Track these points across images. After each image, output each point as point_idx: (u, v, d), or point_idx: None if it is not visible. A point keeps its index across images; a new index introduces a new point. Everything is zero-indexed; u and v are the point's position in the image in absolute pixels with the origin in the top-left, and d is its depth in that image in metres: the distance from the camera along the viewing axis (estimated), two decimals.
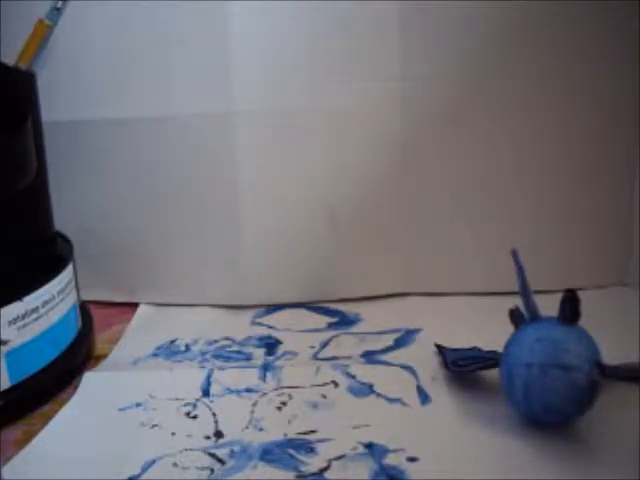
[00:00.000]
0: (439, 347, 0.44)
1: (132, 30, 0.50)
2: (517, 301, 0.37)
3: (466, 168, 0.51)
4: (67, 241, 0.48)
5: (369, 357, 0.45)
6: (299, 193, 0.52)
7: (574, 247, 0.52)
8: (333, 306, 0.53)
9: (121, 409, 0.40)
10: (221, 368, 0.44)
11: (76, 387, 0.42)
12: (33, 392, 0.41)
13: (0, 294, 0.39)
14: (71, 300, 0.45)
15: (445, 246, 0.53)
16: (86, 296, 0.50)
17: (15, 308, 0.39)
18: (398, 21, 0.49)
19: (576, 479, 0.32)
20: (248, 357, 0.46)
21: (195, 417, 0.38)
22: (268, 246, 0.52)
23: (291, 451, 0.35)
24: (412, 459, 0.34)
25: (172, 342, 0.48)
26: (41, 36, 0.50)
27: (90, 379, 0.43)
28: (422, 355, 0.44)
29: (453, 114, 0.50)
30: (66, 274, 0.44)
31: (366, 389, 0.40)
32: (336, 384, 0.41)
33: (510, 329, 0.37)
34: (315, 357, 0.45)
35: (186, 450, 0.35)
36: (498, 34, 0.49)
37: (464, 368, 0.40)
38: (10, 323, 0.39)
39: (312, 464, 0.34)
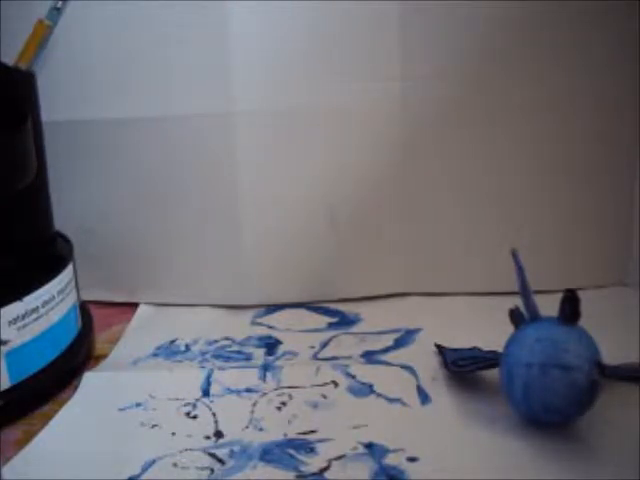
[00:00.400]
0: (439, 347, 0.44)
1: (132, 30, 0.50)
2: (517, 301, 0.37)
3: (466, 168, 0.51)
4: (67, 241, 0.48)
5: (369, 357, 0.45)
6: (299, 193, 0.52)
7: (574, 247, 0.52)
8: (333, 306, 0.53)
9: (121, 409, 0.40)
10: (221, 368, 0.44)
11: (76, 387, 0.42)
12: (33, 392, 0.41)
13: (0, 294, 0.39)
14: (71, 300, 0.45)
15: (445, 246, 0.53)
16: (86, 296, 0.50)
17: (15, 308, 0.39)
18: (398, 21, 0.49)
19: (576, 479, 0.32)
20: (248, 357, 0.46)
21: (195, 417, 0.38)
22: (268, 246, 0.52)
23: (291, 451, 0.35)
24: (412, 459, 0.34)
25: (172, 342, 0.48)
26: (41, 36, 0.50)
27: (90, 379, 0.43)
28: (422, 355, 0.44)
29: (453, 114, 0.50)
30: (66, 274, 0.44)
31: (366, 389, 0.40)
32: (336, 384, 0.41)
33: (510, 329, 0.37)
34: (315, 357, 0.45)
35: (186, 450, 0.35)
36: (498, 34, 0.49)
37: (464, 368, 0.40)
38: (10, 323, 0.39)
39: (312, 464, 0.34)
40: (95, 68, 0.51)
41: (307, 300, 0.53)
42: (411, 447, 0.34)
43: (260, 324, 0.51)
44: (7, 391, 0.39)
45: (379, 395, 0.40)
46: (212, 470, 0.34)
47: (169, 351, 0.47)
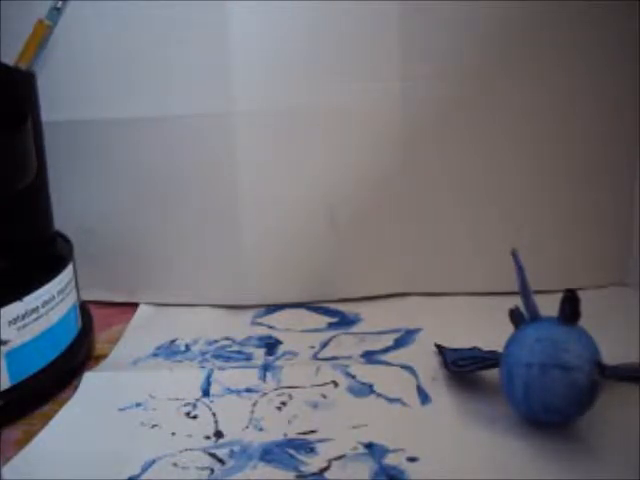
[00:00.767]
0: (439, 347, 0.44)
1: (132, 30, 0.50)
2: (517, 301, 0.37)
3: (466, 168, 0.51)
4: (67, 241, 0.48)
5: (369, 357, 0.45)
6: (299, 193, 0.52)
7: (574, 247, 0.52)
8: (333, 306, 0.53)
9: (121, 409, 0.40)
10: (221, 368, 0.44)
11: (76, 387, 0.42)
12: (33, 392, 0.41)
13: (0, 294, 0.39)
14: (71, 300, 0.45)
15: (445, 246, 0.53)
16: (86, 296, 0.50)
17: (15, 308, 0.39)
18: (398, 21, 0.48)
19: (576, 479, 0.32)
20: (248, 357, 0.46)
21: (195, 417, 0.38)
22: (268, 246, 0.52)
23: (291, 451, 0.35)
24: (412, 459, 0.34)
25: (172, 342, 0.48)
26: (41, 36, 0.50)
27: (90, 379, 0.43)
28: (422, 355, 0.44)
29: (453, 114, 0.50)
30: (66, 274, 0.44)
31: (366, 389, 0.40)
32: (336, 384, 0.41)
33: (510, 329, 0.37)
34: (315, 357, 0.45)
35: (186, 450, 0.35)
36: (498, 34, 0.49)
37: (464, 368, 0.40)
38: (10, 323, 0.39)
39: (312, 464, 0.34)
40: (95, 68, 0.51)
41: (307, 300, 0.53)
42: (411, 447, 0.34)
43: (260, 324, 0.51)
44: (7, 391, 0.39)
45: (379, 395, 0.40)
46: (212, 470, 0.34)
47: (169, 351, 0.47)
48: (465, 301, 0.52)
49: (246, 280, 0.53)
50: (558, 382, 0.33)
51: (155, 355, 0.47)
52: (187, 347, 0.47)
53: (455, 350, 0.42)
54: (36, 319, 0.40)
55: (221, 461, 0.34)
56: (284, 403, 0.39)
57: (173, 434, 0.37)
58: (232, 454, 0.35)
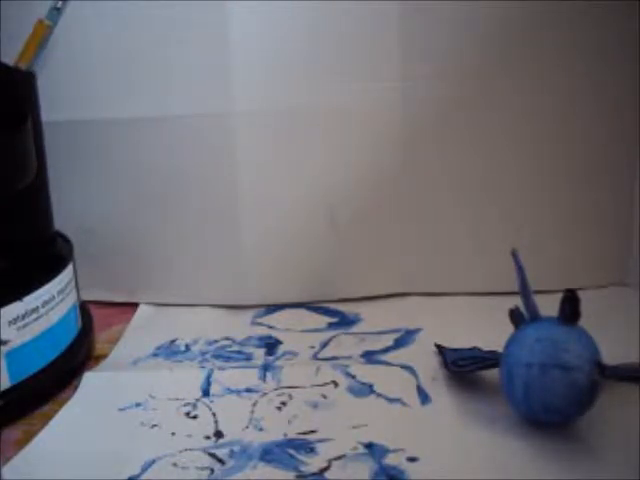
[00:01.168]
0: (439, 347, 0.44)
1: (132, 30, 0.50)
2: (517, 301, 0.37)
3: (466, 168, 0.51)
4: (67, 241, 0.48)
5: (369, 357, 0.45)
6: (299, 193, 0.52)
7: (574, 247, 0.52)
8: (333, 306, 0.53)
9: (121, 409, 0.40)
10: (221, 368, 0.44)
11: (76, 387, 0.42)
12: (33, 392, 0.41)
13: (0, 294, 0.39)
14: (71, 300, 0.45)
15: (445, 246, 0.53)
16: (86, 296, 0.50)
17: (15, 308, 0.39)
18: (398, 21, 0.48)
19: (576, 479, 0.32)
20: (248, 357, 0.46)
21: (195, 417, 0.38)
22: (268, 246, 0.52)
23: (291, 451, 0.35)
24: (412, 459, 0.34)
25: (172, 342, 0.48)
26: (41, 36, 0.50)
27: (90, 379, 0.43)
28: (422, 355, 0.44)
29: (453, 114, 0.50)
30: (66, 274, 0.44)
31: (366, 389, 0.40)
32: (336, 384, 0.41)
33: (510, 329, 0.37)
34: (315, 357, 0.45)
35: (186, 450, 0.35)
36: (498, 34, 0.49)
37: (464, 368, 0.40)
38: (10, 323, 0.39)
39: (312, 464, 0.34)
40: (95, 68, 0.51)
41: (307, 300, 0.53)
42: (411, 447, 0.34)
43: (260, 324, 0.51)
44: (7, 391, 0.39)
45: (379, 395, 0.40)
46: (212, 470, 0.34)
47: (169, 351, 0.47)
48: (465, 301, 0.52)
49: (246, 280, 0.53)
50: (558, 382, 0.33)
51: (155, 355, 0.47)
52: (187, 347, 0.47)
53: (455, 350, 0.42)
54: (36, 319, 0.40)
55: (221, 461, 0.34)
56: (284, 403, 0.39)
57: (173, 434, 0.37)
58: (232, 454, 0.35)
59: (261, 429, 0.37)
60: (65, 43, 0.51)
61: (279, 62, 0.50)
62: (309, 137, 0.51)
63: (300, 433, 0.36)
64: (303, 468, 0.33)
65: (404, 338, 0.47)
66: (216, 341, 0.48)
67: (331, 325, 0.50)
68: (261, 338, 0.48)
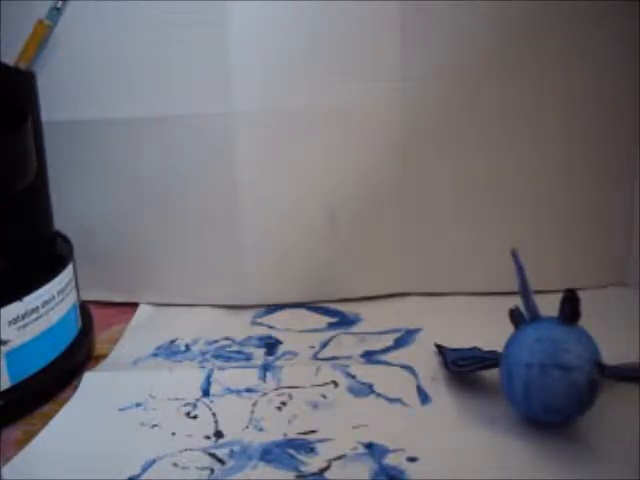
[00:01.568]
0: (439, 347, 0.44)
1: (132, 30, 0.50)
2: (517, 301, 0.37)
3: (466, 168, 0.51)
4: (67, 241, 0.48)
5: (369, 357, 0.45)
6: (299, 193, 0.52)
7: (574, 247, 0.52)
8: (333, 306, 0.53)
9: (121, 409, 0.40)
10: (221, 368, 0.44)
11: (76, 387, 0.42)
12: (33, 392, 0.41)
13: (0, 294, 0.39)
14: (71, 300, 0.45)
15: (445, 246, 0.53)
16: (86, 296, 0.50)
17: (15, 308, 0.39)
18: (398, 21, 0.48)
19: (576, 479, 0.32)
20: (248, 357, 0.46)
21: (195, 417, 0.38)
22: (268, 246, 0.52)
23: (291, 451, 0.35)
24: (412, 459, 0.34)
25: (172, 342, 0.48)
26: (41, 36, 0.50)
27: (90, 379, 0.43)
28: (422, 355, 0.44)
29: (453, 114, 0.50)
30: (66, 274, 0.44)
31: (366, 389, 0.41)
32: (336, 384, 0.41)
33: (510, 329, 0.37)
34: (315, 357, 0.45)
35: (186, 450, 0.35)
36: (498, 34, 0.49)
37: (464, 368, 0.40)
38: (10, 323, 0.39)
39: (312, 464, 0.34)
40: (95, 68, 0.51)
41: (307, 300, 0.53)
42: (411, 447, 0.34)
43: (260, 324, 0.51)
44: (7, 391, 0.39)
45: (379, 395, 0.40)
46: (212, 470, 0.34)
47: (169, 351, 0.47)
48: (465, 301, 0.52)
49: (246, 280, 0.53)
50: (558, 382, 0.33)
51: (155, 355, 0.47)
52: (187, 347, 0.47)
53: (455, 350, 0.42)
54: (36, 319, 0.40)
55: (221, 461, 0.34)
56: (284, 403, 0.39)
57: (173, 434, 0.37)
58: (232, 454, 0.35)
59: (261, 429, 0.37)
60: (65, 43, 0.51)
61: (279, 62, 0.49)
62: (309, 137, 0.51)
63: (300, 433, 0.36)
64: (303, 468, 0.33)
65: (404, 338, 0.47)
66: (216, 341, 0.48)
67: (331, 325, 0.50)
68: (261, 338, 0.48)
